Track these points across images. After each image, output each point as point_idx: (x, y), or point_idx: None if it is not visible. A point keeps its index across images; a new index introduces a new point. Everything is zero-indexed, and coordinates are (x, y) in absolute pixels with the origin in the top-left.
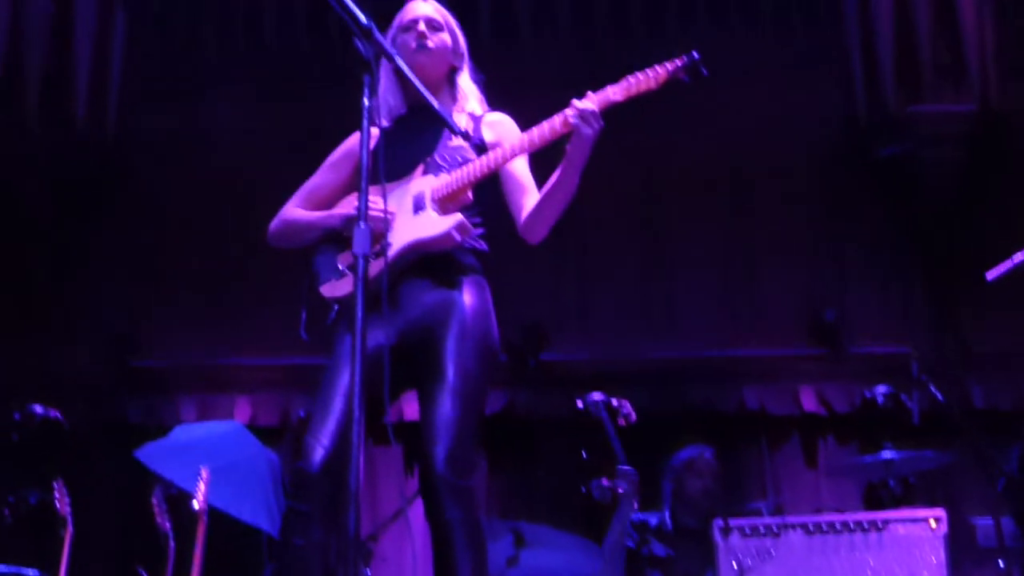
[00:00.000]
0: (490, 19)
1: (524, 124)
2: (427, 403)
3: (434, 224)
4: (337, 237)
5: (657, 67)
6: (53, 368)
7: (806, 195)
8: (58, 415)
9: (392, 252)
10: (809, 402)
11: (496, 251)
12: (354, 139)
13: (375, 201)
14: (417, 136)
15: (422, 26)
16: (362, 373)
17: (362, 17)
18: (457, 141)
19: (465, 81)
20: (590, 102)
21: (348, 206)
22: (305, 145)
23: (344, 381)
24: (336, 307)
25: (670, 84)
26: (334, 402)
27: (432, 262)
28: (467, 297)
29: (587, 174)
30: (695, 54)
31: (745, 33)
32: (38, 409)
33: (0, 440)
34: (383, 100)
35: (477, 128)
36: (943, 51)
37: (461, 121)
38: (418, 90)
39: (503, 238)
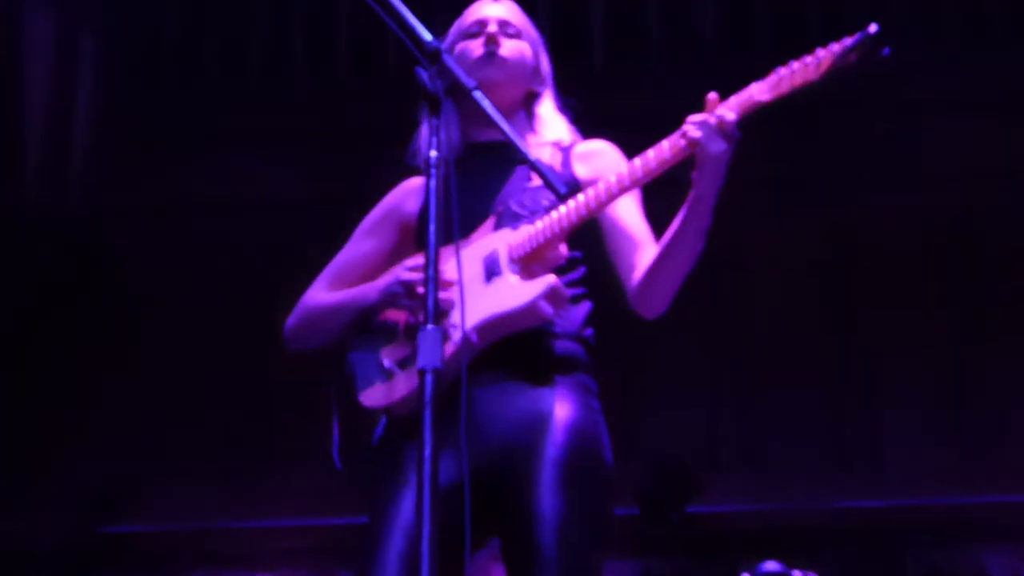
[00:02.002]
0: (605, 42)
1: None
2: (520, 558)
3: (514, 292)
4: (376, 326)
5: (819, 50)
6: (6, 536)
7: None
8: None
9: (458, 336)
10: None
11: (618, 349)
12: (398, 193)
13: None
14: (483, 180)
15: (493, 27)
16: (433, 526)
17: (426, 35)
18: (536, 182)
19: (547, 110)
20: (719, 109)
21: (392, 273)
22: (352, 217)
23: (405, 515)
24: (383, 420)
25: (836, 73)
26: (393, 540)
27: (514, 351)
28: (565, 407)
29: (759, 264)
30: (872, 28)
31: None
32: None
33: None
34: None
35: (567, 160)
36: None
37: (544, 154)
38: (490, 118)
39: (632, 326)
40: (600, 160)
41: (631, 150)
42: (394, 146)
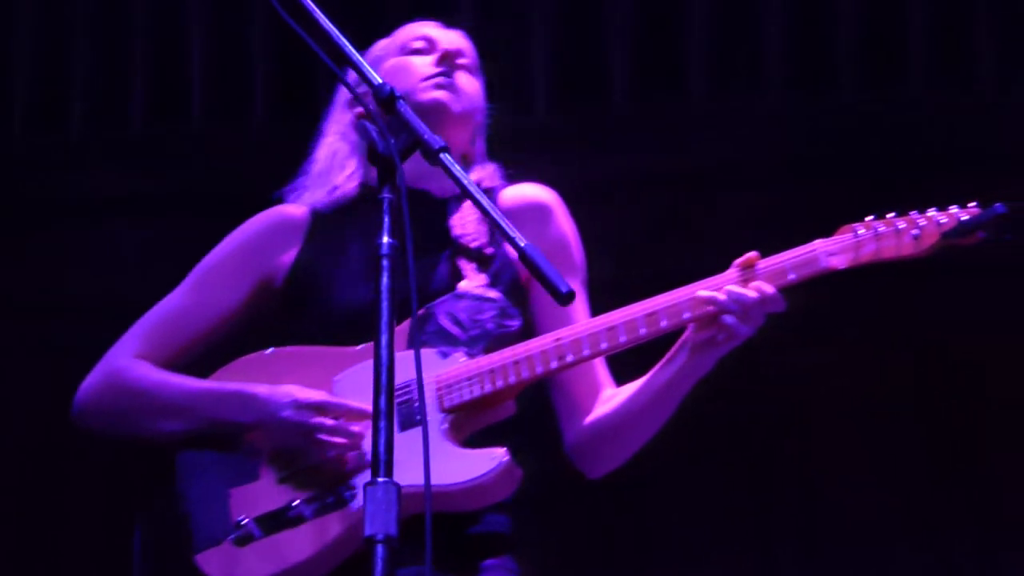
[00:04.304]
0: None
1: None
2: None
3: (449, 461)
4: (229, 439)
5: (923, 218)
6: None
7: None
8: None
9: (356, 505)
10: None
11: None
12: (264, 227)
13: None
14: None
15: (450, 48)
16: None
17: (375, 77)
18: (473, 283)
19: (482, 161)
20: (760, 283)
21: (286, 394)
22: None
23: None
24: None
25: (944, 249)
26: None
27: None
28: None
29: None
30: (1000, 207)
31: None
32: None
33: None
34: (325, 166)
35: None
36: None
37: (468, 216)
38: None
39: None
40: (541, 220)
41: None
42: None
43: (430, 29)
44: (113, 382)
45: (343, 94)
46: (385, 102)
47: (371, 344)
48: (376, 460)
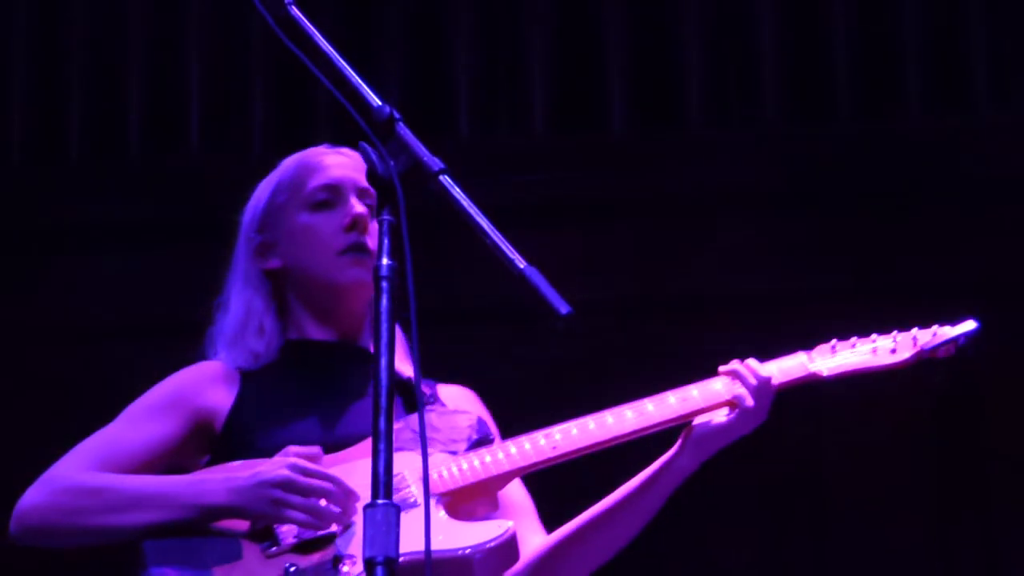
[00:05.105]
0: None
1: None
2: None
3: (459, 531)
4: (198, 526)
5: (900, 333)
6: None
7: None
8: None
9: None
10: None
11: None
12: (192, 379)
13: (318, 475)
14: (340, 389)
15: (360, 207)
16: None
17: (374, 99)
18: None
19: None
20: (770, 371)
21: (273, 465)
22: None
23: None
24: None
25: (919, 365)
26: None
27: None
28: None
29: None
30: (975, 327)
31: None
32: None
33: None
34: (241, 324)
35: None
36: None
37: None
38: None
39: None
40: (475, 407)
41: None
42: None
43: (333, 170)
44: (64, 485)
45: (247, 235)
46: (384, 127)
47: (346, 451)
48: (376, 482)
